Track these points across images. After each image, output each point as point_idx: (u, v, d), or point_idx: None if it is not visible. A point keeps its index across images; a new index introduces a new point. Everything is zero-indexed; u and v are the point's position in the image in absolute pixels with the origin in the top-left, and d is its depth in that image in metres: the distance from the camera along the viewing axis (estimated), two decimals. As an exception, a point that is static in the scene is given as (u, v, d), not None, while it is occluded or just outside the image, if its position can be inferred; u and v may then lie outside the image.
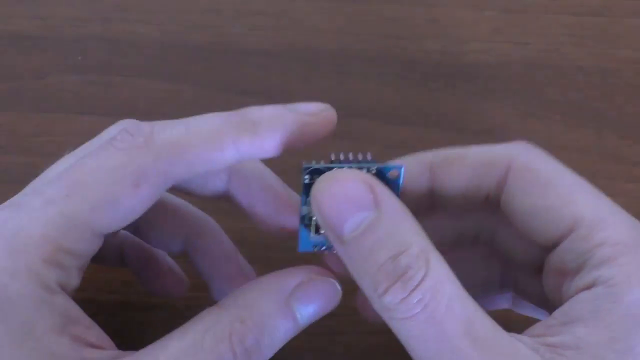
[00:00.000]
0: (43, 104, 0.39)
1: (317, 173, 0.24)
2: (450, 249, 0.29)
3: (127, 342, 0.33)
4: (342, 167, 0.24)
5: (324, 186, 0.23)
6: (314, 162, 0.24)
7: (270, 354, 0.25)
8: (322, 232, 0.25)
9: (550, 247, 0.25)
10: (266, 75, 0.41)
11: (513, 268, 0.29)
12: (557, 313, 0.23)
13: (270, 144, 0.25)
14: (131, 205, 0.24)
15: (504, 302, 0.31)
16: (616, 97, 0.40)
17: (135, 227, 0.30)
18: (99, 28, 0.42)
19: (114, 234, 0.29)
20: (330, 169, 0.24)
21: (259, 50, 0.41)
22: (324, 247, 0.26)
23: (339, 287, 0.26)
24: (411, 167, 0.26)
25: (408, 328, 0.22)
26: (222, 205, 0.29)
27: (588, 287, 0.23)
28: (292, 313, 0.25)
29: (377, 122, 0.39)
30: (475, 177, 0.26)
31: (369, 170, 0.25)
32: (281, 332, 0.25)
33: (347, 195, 0.23)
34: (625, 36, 0.42)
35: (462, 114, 0.40)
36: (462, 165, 0.26)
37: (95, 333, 0.24)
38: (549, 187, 0.25)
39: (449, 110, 0.40)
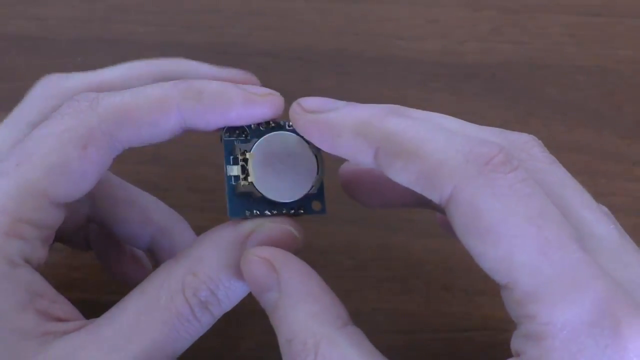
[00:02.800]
0: (43, 104, 0.39)
1: (236, 130, 0.25)
2: None
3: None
4: (258, 126, 0.25)
5: (242, 265, 0.24)
6: None
7: (232, 303, 0.25)
8: (249, 181, 0.25)
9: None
10: (266, 75, 0.41)
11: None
12: None
13: (214, 114, 0.25)
14: (81, 168, 0.24)
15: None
16: (616, 96, 0.40)
17: (102, 220, 0.30)
18: (98, 29, 0.42)
19: (77, 210, 0.29)
20: (247, 126, 0.25)
21: (259, 50, 0.41)
22: (255, 211, 0.25)
23: (295, 232, 0.25)
24: (356, 141, 0.23)
25: None
26: (197, 199, 0.29)
27: (517, 354, 0.21)
28: (248, 262, 0.24)
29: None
30: (418, 184, 0.22)
31: (284, 126, 0.25)
32: (237, 282, 0.24)
33: (254, 277, 0.23)
34: (625, 36, 0.42)
35: (462, 114, 0.40)
36: (406, 166, 0.22)
37: (61, 306, 0.24)
38: (488, 234, 0.21)
39: (449, 110, 0.40)
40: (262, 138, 0.25)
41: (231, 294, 0.24)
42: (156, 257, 0.31)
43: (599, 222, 0.24)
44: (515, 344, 0.21)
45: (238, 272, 0.24)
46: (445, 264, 0.35)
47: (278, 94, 0.26)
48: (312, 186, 0.25)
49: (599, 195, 0.37)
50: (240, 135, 0.25)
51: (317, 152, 0.25)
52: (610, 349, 0.19)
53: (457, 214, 0.21)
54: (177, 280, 0.24)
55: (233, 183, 0.25)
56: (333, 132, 0.23)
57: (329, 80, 0.41)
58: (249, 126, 0.25)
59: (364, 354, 0.22)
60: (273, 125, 0.25)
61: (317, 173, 0.25)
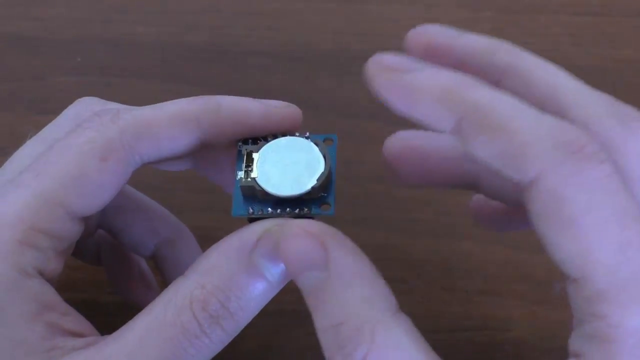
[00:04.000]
0: (42, 105, 0.39)
1: (251, 140, 0.25)
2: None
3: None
4: (275, 139, 0.25)
5: (283, 239, 0.22)
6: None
7: (246, 316, 0.23)
8: (252, 177, 0.25)
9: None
10: (266, 75, 0.41)
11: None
12: None
13: (232, 127, 0.25)
14: (100, 180, 0.24)
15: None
16: (616, 96, 0.40)
17: (110, 227, 0.30)
18: (98, 29, 0.42)
19: (91, 224, 0.29)
20: (263, 138, 0.25)
21: (259, 50, 0.41)
22: (259, 212, 0.25)
23: (305, 233, 0.23)
24: (439, 107, 0.21)
25: None
26: (199, 200, 0.29)
27: (577, 355, 0.20)
28: (259, 270, 0.23)
29: (378, 123, 0.39)
30: (499, 162, 0.21)
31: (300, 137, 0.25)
32: (251, 292, 0.23)
33: (298, 252, 0.22)
34: (625, 36, 0.42)
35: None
36: (489, 141, 0.21)
37: (72, 319, 0.24)
38: (567, 226, 0.20)
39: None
40: (271, 142, 0.25)
41: (245, 305, 0.23)
42: (159, 266, 0.31)
43: None
44: (576, 344, 0.20)
45: (250, 280, 0.23)
46: (445, 264, 0.35)
47: (295, 107, 0.26)
48: (317, 181, 0.25)
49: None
50: (254, 143, 0.25)
51: (325, 152, 0.25)
52: None
53: (538, 200, 0.20)
54: (184, 295, 0.23)
55: (240, 185, 0.25)
56: (414, 95, 0.22)
57: (329, 80, 0.41)
58: (265, 137, 0.25)
59: (416, 342, 0.21)
60: (289, 136, 0.26)
61: (324, 170, 0.25)
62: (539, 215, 0.20)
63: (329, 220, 0.30)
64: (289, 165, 0.25)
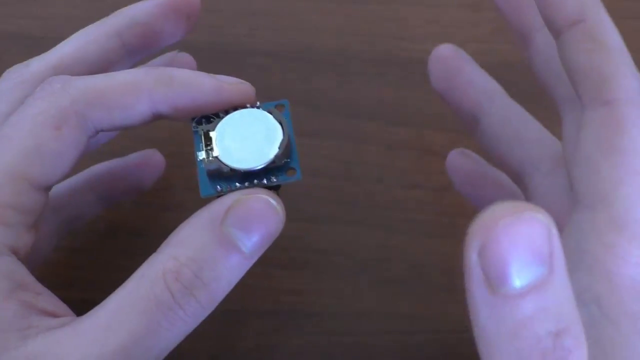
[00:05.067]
0: (43, 103, 0.39)
1: (204, 119, 0.25)
2: None
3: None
4: (226, 112, 0.25)
5: (505, 222, 0.17)
6: None
7: (221, 288, 0.23)
8: (215, 156, 0.25)
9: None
10: (266, 75, 0.41)
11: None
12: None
13: (183, 100, 0.25)
14: (57, 149, 0.24)
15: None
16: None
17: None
18: (99, 28, 0.42)
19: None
20: (217, 116, 0.25)
21: (259, 50, 0.41)
22: (228, 188, 0.25)
23: (273, 202, 0.23)
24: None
25: None
26: (192, 198, 0.29)
27: (579, 296, 0.19)
28: (231, 240, 0.23)
29: (378, 123, 0.39)
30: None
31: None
32: (225, 263, 0.23)
33: (529, 241, 0.17)
34: (625, 37, 0.41)
35: (462, 115, 0.40)
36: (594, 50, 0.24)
37: (46, 299, 0.24)
38: (614, 154, 0.22)
39: (450, 111, 0.40)
40: (225, 117, 0.25)
41: (219, 276, 0.23)
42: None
43: None
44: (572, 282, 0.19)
45: (222, 251, 0.23)
46: (445, 264, 0.35)
47: (249, 84, 0.26)
48: (278, 149, 0.25)
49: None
50: (208, 122, 0.26)
51: (281, 119, 0.25)
52: None
53: (602, 120, 0.22)
54: (156, 268, 0.23)
55: (202, 165, 0.25)
56: None
57: (329, 80, 0.41)
58: (218, 114, 0.26)
59: None
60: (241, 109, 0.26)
61: (283, 137, 0.25)
62: (595, 133, 0.22)
63: (328, 219, 0.30)
64: (248, 138, 0.25)
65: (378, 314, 0.34)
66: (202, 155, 0.25)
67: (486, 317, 0.18)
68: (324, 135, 0.39)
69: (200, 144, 0.25)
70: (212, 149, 0.25)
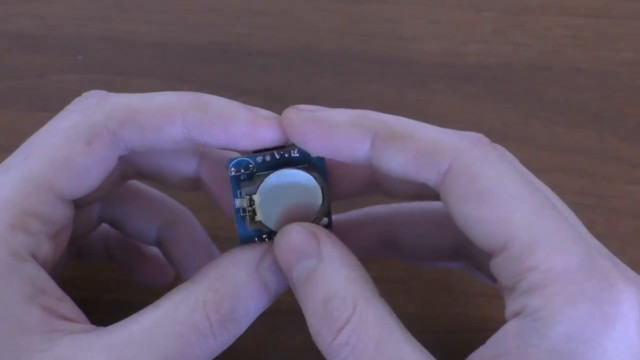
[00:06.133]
0: (43, 102, 0.39)
1: (241, 164, 0.25)
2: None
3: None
4: (264, 156, 0.25)
5: (277, 240, 0.25)
6: (238, 155, 0.26)
7: (246, 325, 0.25)
8: (257, 220, 0.26)
9: (489, 254, 0.23)
10: (266, 75, 0.41)
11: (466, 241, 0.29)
12: (490, 343, 0.23)
13: (217, 128, 0.25)
14: (85, 163, 0.24)
15: (459, 266, 0.32)
16: (617, 98, 0.40)
17: (111, 218, 0.31)
18: (99, 27, 0.42)
19: (92, 217, 0.30)
20: (252, 158, 0.25)
21: (259, 50, 0.41)
22: (264, 236, 0.26)
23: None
24: (354, 131, 0.24)
25: None
26: (199, 199, 0.29)
27: (517, 314, 0.22)
28: (263, 282, 0.25)
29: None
30: (415, 164, 0.24)
31: (286, 157, 0.26)
32: (255, 301, 0.25)
33: (292, 246, 0.24)
34: (625, 38, 0.42)
35: (462, 116, 0.40)
36: (404, 147, 0.24)
37: (67, 306, 0.24)
38: (485, 198, 0.22)
39: (450, 111, 0.40)
40: (266, 179, 0.25)
41: (248, 313, 0.24)
42: (164, 250, 0.31)
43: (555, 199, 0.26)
44: (513, 305, 0.22)
45: (256, 290, 0.25)
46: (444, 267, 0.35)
47: (280, 124, 0.26)
48: (317, 216, 0.26)
49: (599, 197, 0.37)
50: (246, 171, 0.26)
51: (323, 184, 0.26)
52: (605, 290, 0.21)
53: (454, 184, 0.23)
54: (197, 297, 0.24)
55: (242, 214, 0.26)
56: (330, 125, 0.24)
57: (329, 80, 0.41)
58: (254, 159, 0.25)
59: (396, 320, 0.23)
60: (278, 157, 0.26)
61: (322, 203, 0.26)
62: (458, 197, 0.23)
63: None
64: (290, 202, 0.26)
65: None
66: (239, 203, 0.26)
67: (300, 304, 0.24)
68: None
69: (237, 192, 0.26)
70: (254, 213, 0.25)
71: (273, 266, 0.25)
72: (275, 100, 0.40)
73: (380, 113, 0.25)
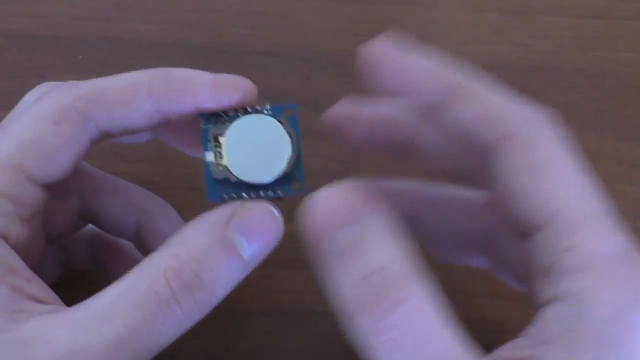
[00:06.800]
0: (43, 102, 0.39)
1: (213, 117, 0.25)
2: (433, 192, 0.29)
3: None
4: (236, 112, 0.25)
5: (316, 197, 0.22)
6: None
7: (218, 290, 0.23)
8: (223, 165, 0.25)
9: (526, 233, 0.23)
10: (266, 75, 0.41)
11: (496, 231, 0.28)
12: (527, 332, 0.22)
13: (182, 95, 0.25)
14: (55, 143, 0.25)
15: (483, 263, 0.31)
16: (617, 99, 0.40)
17: (90, 213, 0.31)
18: (99, 27, 0.42)
19: (71, 211, 0.30)
20: (224, 113, 0.25)
21: (259, 50, 0.41)
22: (234, 195, 0.25)
23: (275, 211, 0.24)
24: (431, 81, 0.24)
25: (379, 353, 0.21)
26: (189, 198, 0.29)
27: (555, 299, 0.21)
28: (232, 245, 0.23)
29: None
30: (479, 124, 0.23)
31: (261, 111, 0.26)
32: (225, 266, 0.23)
33: (330, 210, 0.22)
34: (625, 38, 0.42)
35: (462, 115, 0.40)
36: (476, 104, 0.24)
37: (37, 286, 0.24)
38: (540, 169, 0.22)
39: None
40: (234, 122, 0.25)
41: (218, 278, 0.23)
42: (144, 243, 0.31)
43: None
44: (549, 290, 0.21)
45: (224, 254, 0.23)
46: (444, 265, 0.35)
47: (249, 81, 0.26)
48: (287, 165, 0.25)
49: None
50: (217, 122, 0.26)
51: (291, 131, 0.26)
52: None
53: (512, 151, 0.22)
54: (157, 265, 0.23)
55: (210, 169, 0.25)
56: (410, 64, 0.24)
57: (329, 80, 0.41)
58: (226, 113, 0.26)
59: (441, 302, 0.22)
60: (250, 110, 0.26)
61: (292, 152, 0.25)
62: (513, 164, 0.22)
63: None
64: (257, 148, 0.25)
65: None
66: (210, 156, 0.25)
67: (328, 276, 0.22)
68: (324, 135, 0.39)
69: (209, 144, 0.25)
70: (220, 155, 0.25)
71: (244, 228, 0.23)
72: (275, 101, 0.39)
73: (459, 66, 0.25)
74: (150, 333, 0.22)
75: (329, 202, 0.22)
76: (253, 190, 0.25)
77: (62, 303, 0.24)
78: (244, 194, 0.25)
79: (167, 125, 0.27)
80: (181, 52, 0.41)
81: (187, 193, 0.36)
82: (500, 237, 0.28)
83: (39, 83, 0.40)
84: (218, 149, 0.25)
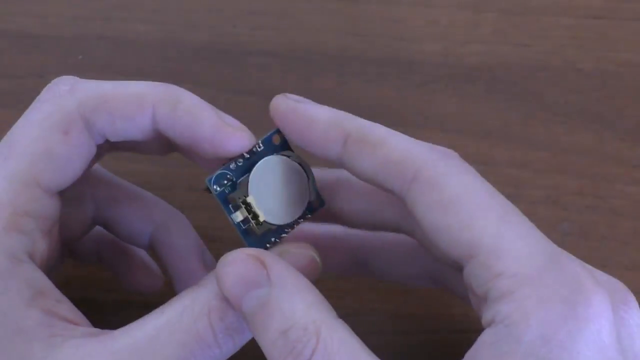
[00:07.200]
0: (43, 102, 0.39)
1: (220, 179, 0.25)
2: (374, 235, 0.30)
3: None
4: (236, 161, 0.25)
5: (219, 271, 0.23)
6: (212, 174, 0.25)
7: (248, 337, 0.24)
8: (262, 222, 0.25)
9: (457, 266, 0.23)
10: (266, 75, 0.41)
11: (438, 266, 0.29)
12: (467, 357, 0.22)
13: (185, 127, 0.25)
14: (66, 153, 0.24)
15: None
16: (617, 99, 0.40)
17: (105, 220, 0.30)
18: (99, 27, 0.42)
19: (85, 217, 0.29)
20: (228, 169, 0.25)
21: (259, 50, 0.41)
22: (274, 239, 0.26)
23: (314, 254, 0.25)
24: (330, 129, 0.25)
25: None
26: (198, 200, 0.29)
27: (492, 322, 0.21)
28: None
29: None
30: (383, 171, 0.24)
31: (256, 151, 0.26)
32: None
33: (240, 275, 0.23)
34: (626, 39, 0.42)
35: (462, 116, 0.40)
36: (374, 153, 0.24)
37: (67, 307, 0.24)
38: (450, 206, 0.22)
39: (449, 112, 0.40)
40: (251, 177, 0.25)
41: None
42: (157, 253, 0.31)
43: None
44: (487, 314, 0.22)
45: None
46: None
47: (249, 132, 0.26)
48: (310, 192, 0.26)
49: (599, 198, 0.37)
50: (228, 183, 0.25)
51: (299, 160, 0.26)
52: (575, 292, 0.21)
53: (420, 193, 0.23)
54: (202, 304, 0.23)
55: (244, 227, 0.25)
56: (310, 119, 0.25)
57: (329, 80, 0.41)
58: (228, 168, 0.25)
59: (359, 341, 0.22)
60: (248, 156, 0.26)
61: (308, 179, 0.26)
62: (423, 205, 0.23)
63: (328, 220, 0.30)
64: (281, 190, 0.26)
65: (378, 314, 0.34)
66: (238, 217, 0.25)
67: (253, 336, 0.23)
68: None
69: (230, 207, 0.25)
70: (251, 212, 0.25)
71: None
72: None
73: (358, 118, 0.25)
74: None
75: (234, 268, 0.23)
76: (287, 226, 0.26)
77: (90, 324, 0.24)
78: (283, 235, 0.26)
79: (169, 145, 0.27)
80: (182, 52, 0.41)
81: (187, 193, 0.36)
82: (444, 271, 0.29)
83: (39, 83, 0.40)
84: (247, 208, 0.25)
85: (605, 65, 0.41)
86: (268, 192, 0.25)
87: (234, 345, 0.23)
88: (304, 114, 0.25)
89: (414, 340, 0.33)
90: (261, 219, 0.25)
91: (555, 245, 0.23)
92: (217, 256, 0.32)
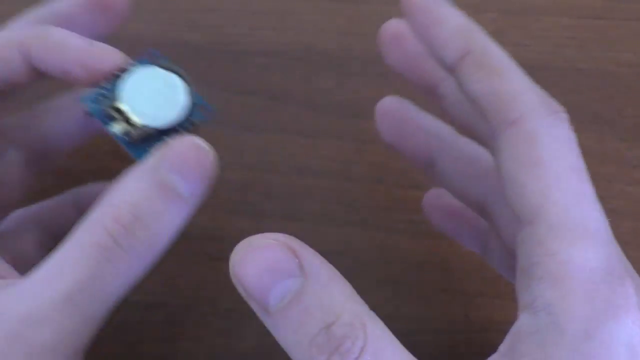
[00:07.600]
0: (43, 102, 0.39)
1: (97, 96, 0.26)
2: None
3: (126, 342, 0.33)
4: (112, 83, 0.26)
5: (241, 257, 0.20)
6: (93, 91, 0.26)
7: (163, 231, 0.23)
8: (137, 125, 0.25)
9: (519, 221, 0.23)
10: (266, 75, 0.41)
11: (496, 199, 0.29)
12: (503, 347, 0.21)
13: (56, 52, 0.26)
14: None
15: (474, 245, 0.32)
16: (616, 99, 0.40)
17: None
18: (99, 27, 0.42)
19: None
20: (101, 87, 0.25)
21: (259, 50, 0.41)
22: (158, 144, 0.25)
23: (199, 141, 0.23)
24: (452, 38, 0.25)
25: None
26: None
27: (531, 306, 0.21)
28: (168, 185, 0.23)
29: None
30: (486, 100, 0.24)
31: (129, 69, 0.26)
32: (165, 206, 0.23)
33: (268, 263, 0.20)
34: (626, 39, 0.42)
35: (462, 116, 0.40)
36: (486, 81, 0.24)
37: None
38: (535, 166, 0.22)
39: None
40: (123, 85, 0.26)
41: (160, 218, 0.22)
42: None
43: None
44: (526, 295, 0.21)
45: (160, 195, 0.23)
46: (444, 265, 0.35)
47: (119, 51, 0.26)
48: (190, 97, 0.26)
49: (599, 198, 0.37)
50: (100, 97, 0.26)
51: (172, 67, 0.26)
52: (618, 295, 0.20)
53: (514, 139, 0.22)
54: (95, 215, 0.22)
55: (126, 138, 0.25)
56: (440, 18, 0.25)
57: (329, 80, 0.41)
58: (102, 86, 0.26)
59: (395, 338, 0.22)
60: (121, 74, 0.26)
61: (190, 87, 0.26)
62: (511, 153, 0.22)
63: (327, 220, 0.30)
64: (155, 96, 0.26)
65: (378, 314, 0.34)
66: (115, 128, 0.25)
67: (275, 333, 0.21)
68: (324, 135, 0.39)
69: (105, 119, 0.25)
70: (127, 120, 0.25)
71: (174, 165, 0.23)
72: (275, 100, 0.40)
73: (485, 36, 0.25)
74: (100, 283, 0.22)
75: (269, 253, 0.21)
76: (171, 132, 0.25)
77: (18, 275, 0.24)
78: (165, 138, 0.25)
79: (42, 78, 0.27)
80: (181, 52, 0.41)
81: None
82: (498, 206, 0.28)
83: (39, 83, 0.40)
84: (121, 116, 0.25)
85: (605, 65, 0.41)
86: (142, 98, 0.25)
87: (141, 244, 0.22)
88: (436, 11, 0.25)
89: (413, 341, 0.33)
90: (136, 122, 0.25)
91: (619, 250, 0.22)
92: (218, 256, 0.32)
